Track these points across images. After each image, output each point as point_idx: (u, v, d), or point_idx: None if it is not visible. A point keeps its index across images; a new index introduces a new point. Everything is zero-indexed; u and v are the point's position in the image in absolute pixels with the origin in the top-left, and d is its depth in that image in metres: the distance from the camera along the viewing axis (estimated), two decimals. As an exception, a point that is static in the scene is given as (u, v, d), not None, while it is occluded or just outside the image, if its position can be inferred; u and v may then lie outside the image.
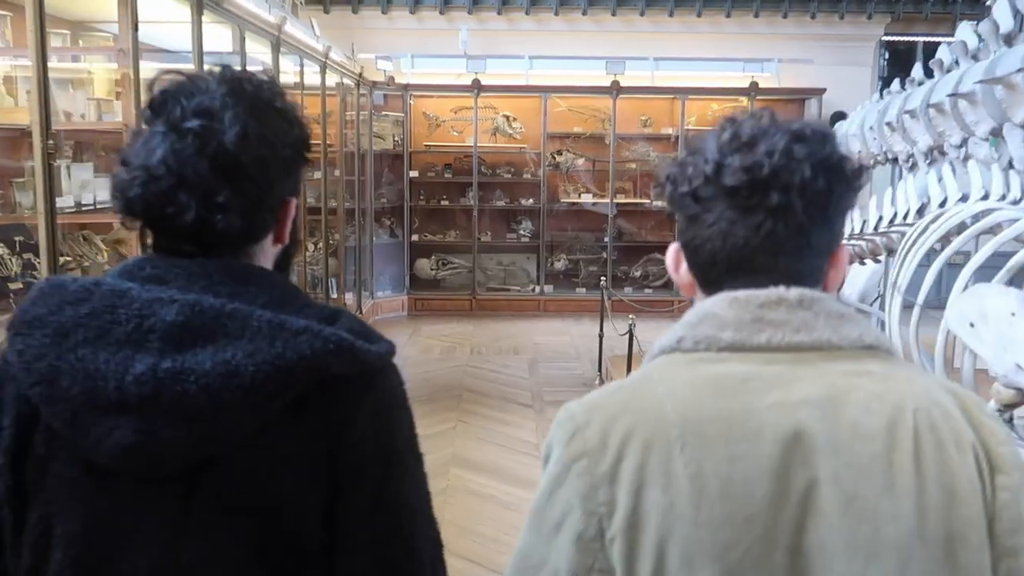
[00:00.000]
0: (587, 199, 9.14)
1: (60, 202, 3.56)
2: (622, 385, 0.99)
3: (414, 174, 9.10)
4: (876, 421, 0.89)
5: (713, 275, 0.98)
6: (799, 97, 9.16)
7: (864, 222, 3.67)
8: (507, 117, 9.02)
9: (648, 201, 9.27)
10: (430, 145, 9.14)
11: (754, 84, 8.81)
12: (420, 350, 7.45)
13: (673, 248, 1.04)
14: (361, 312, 8.13)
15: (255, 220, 1.05)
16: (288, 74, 5.66)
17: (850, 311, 0.96)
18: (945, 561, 0.87)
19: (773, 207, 0.93)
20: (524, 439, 5.15)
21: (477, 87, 8.74)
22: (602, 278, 7.35)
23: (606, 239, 9.10)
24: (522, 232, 9.30)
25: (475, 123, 8.85)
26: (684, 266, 1.03)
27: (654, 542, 0.88)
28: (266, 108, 1.05)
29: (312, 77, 6.40)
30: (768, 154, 0.93)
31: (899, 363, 0.97)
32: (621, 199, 9.15)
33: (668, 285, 9.33)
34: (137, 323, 0.96)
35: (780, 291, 0.94)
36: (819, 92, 8.88)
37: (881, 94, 4.85)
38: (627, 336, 5.62)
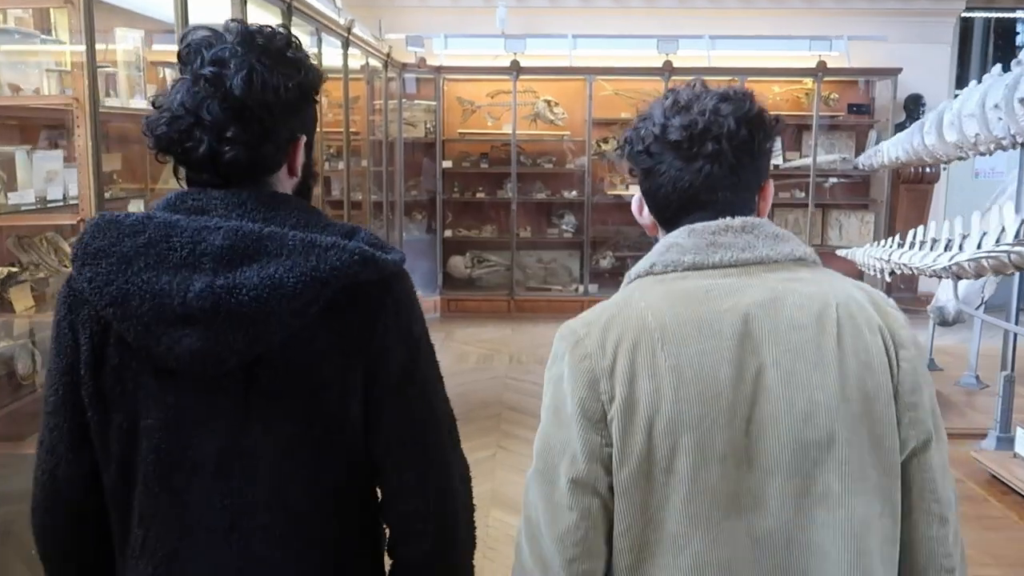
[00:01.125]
0: (635, 191, 8.35)
1: (16, 198, 2.92)
2: (608, 304, 1.23)
3: (447, 164, 8.41)
4: (807, 315, 1.15)
5: (669, 214, 1.25)
6: (871, 78, 8.32)
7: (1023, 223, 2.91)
8: (548, 102, 8.29)
9: (702, 193, 8.50)
10: (464, 133, 8.44)
11: (821, 64, 7.99)
12: (454, 358, 6.75)
13: (636, 197, 1.33)
14: (390, 315, 7.43)
15: (261, 152, 1.19)
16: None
17: (784, 232, 1.21)
18: (862, 414, 1.13)
19: (709, 153, 1.19)
20: (575, 472, 4.43)
21: (516, 69, 8.01)
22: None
23: (656, 235, 8.33)
24: (564, 227, 8.57)
25: (513, 109, 8.13)
26: (646, 210, 1.31)
27: (644, 419, 1.12)
28: (275, 56, 1.18)
29: (334, 57, 5.72)
30: (701, 113, 1.19)
31: (824, 270, 1.23)
32: (673, 191, 8.38)
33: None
34: (191, 248, 1.13)
35: (727, 220, 1.20)
36: (894, 72, 8.03)
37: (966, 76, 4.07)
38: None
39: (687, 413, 1.11)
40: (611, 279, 8.53)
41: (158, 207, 1.18)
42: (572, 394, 1.15)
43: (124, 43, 3.46)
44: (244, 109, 1.14)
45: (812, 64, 8.02)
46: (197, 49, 1.15)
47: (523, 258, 8.61)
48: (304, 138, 1.25)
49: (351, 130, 6.81)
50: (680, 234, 1.21)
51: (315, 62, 1.24)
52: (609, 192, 8.47)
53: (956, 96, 4.54)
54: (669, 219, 1.25)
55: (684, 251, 1.19)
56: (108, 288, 1.12)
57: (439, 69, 8.18)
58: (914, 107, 8.35)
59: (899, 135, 5.31)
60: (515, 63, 8.01)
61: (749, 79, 8.05)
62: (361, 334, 1.19)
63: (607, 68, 8.17)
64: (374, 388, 1.21)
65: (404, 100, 8.13)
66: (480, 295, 8.44)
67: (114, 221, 1.16)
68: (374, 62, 7.10)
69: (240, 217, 1.16)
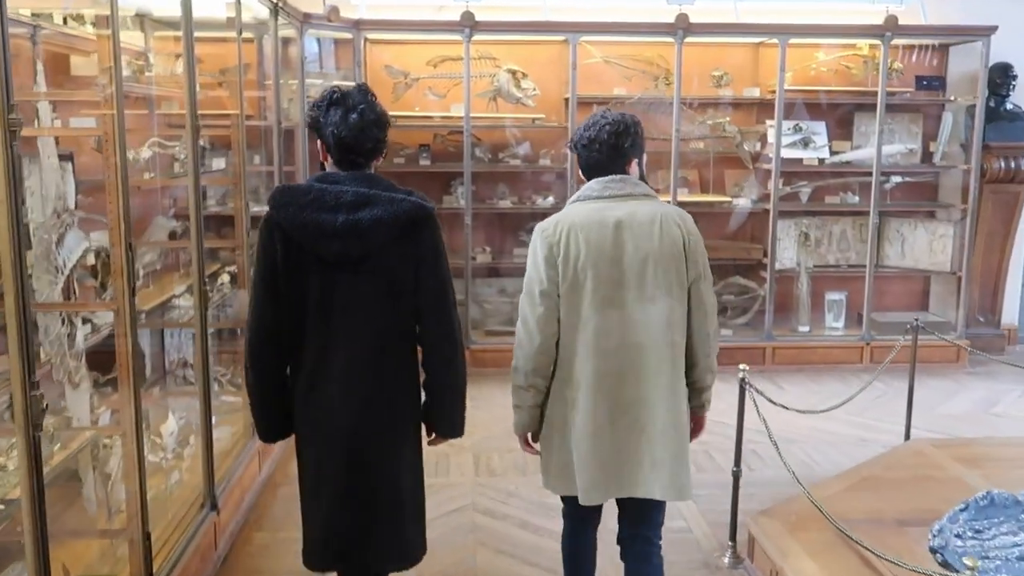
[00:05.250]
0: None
1: None
2: (558, 214, 2.51)
3: (373, 161, 5.97)
4: (647, 218, 2.42)
5: (587, 173, 2.54)
6: (956, 39, 6.17)
7: None
8: (514, 73, 5.92)
9: (726, 199, 6.23)
10: (397, 116, 5.99)
11: (891, 20, 5.80)
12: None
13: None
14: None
15: (384, 148, 2.43)
16: None
17: (639, 181, 2.50)
18: (669, 261, 2.40)
19: (596, 150, 2.48)
20: None
21: (469, 26, 5.64)
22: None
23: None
24: (537, 246, 6.23)
25: (466, 82, 5.76)
26: (579, 171, 2.58)
27: (572, 262, 2.40)
28: (378, 103, 2.39)
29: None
30: (598, 131, 2.47)
31: (658, 200, 2.51)
32: (685, 195, 6.10)
33: (755, 323, 6.32)
34: (335, 201, 2.27)
35: (612, 176, 2.47)
36: (984, 32, 5.90)
37: None
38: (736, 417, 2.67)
39: (591, 260, 2.40)
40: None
41: (311, 180, 2.34)
42: (541, 252, 2.45)
43: None
44: (383, 124, 2.37)
45: (879, 20, 5.83)
46: (344, 97, 2.32)
47: (481, 290, 6.25)
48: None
49: (216, 111, 4.39)
50: (592, 183, 2.51)
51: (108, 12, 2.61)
52: (599, 198, 6.16)
53: None
54: (587, 175, 2.53)
55: (592, 191, 2.48)
56: (294, 221, 2.27)
57: (358, 24, 5.74)
58: (1001, 80, 6.25)
59: None
60: (468, 16, 5.63)
61: (791, 40, 5.83)
62: (414, 244, 2.33)
63: (596, 25, 5.84)
64: (418, 272, 2.35)
65: (308, 69, 5.67)
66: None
67: (290, 188, 2.34)
68: (258, 9, 4.66)
69: (357, 186, 2.29)
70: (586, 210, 2.43)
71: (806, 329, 6.34)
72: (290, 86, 5.50)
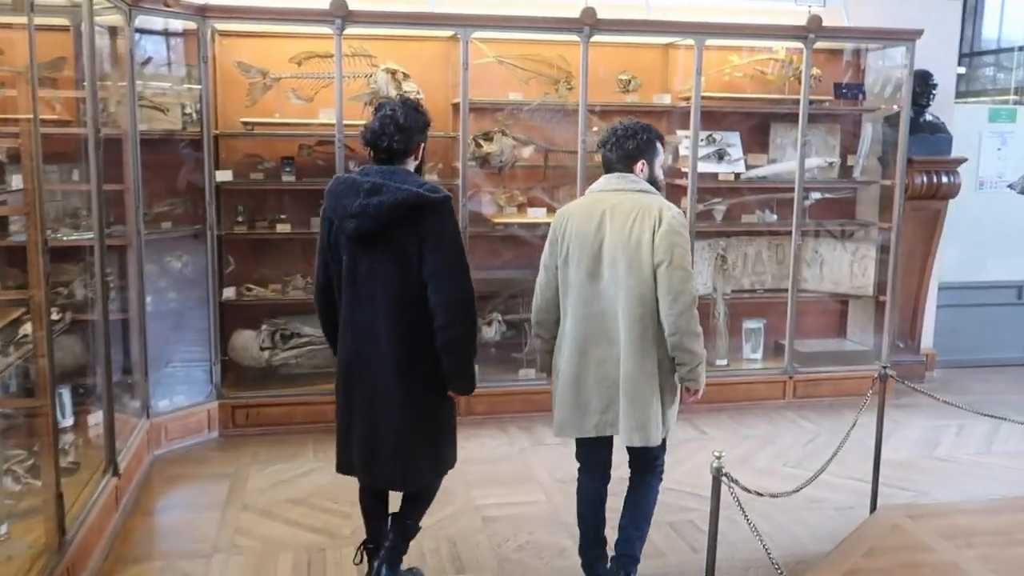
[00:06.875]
0: (538, 216, 5.31)
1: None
2: (573, 201, 3.18)
3: (224, 176, 4.95)
4: (628, 210, 2.90)
5: (605, 170, 3.07)
6: (878, 44, 5.69)
7: None
8: (394, 73, 5.03)
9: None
10: (253, 124, 5.02)
11: (815, 21, 5.24)
12: None
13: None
14: (118, 467, 3.92)
15: (407, 147, 2.88)
16: None
17: (637, 178, 2.99)
18: (636, 250, 2.86)
19: (609, 149, 3.03)
20: None
21: (341, 16, 4.72)
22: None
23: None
24: (423, 276, 5.35)
25: (337, 83, 4.83)
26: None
27: (566, 242, 2.99)
28: (413, 109, 2.91)
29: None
30: (612, 135, 3.04)
31: (650, 194, 2.98)
32: (592, 216, 5.36)
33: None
34: (357, 188, 2.82)
35: (615, 174, 3.02)
36: (910, 36, 5.44)
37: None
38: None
39: (578, 241, 2.93)
40: (502, 357, 5.41)
41: (359, 172, 2.91)
42: (551, 234, 3.06)
43: None
44: (402, 128, 2.85)
45: (801, 21, 5.27)
46: (383, 106, 2.91)
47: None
48: (423, 144, 2.98)
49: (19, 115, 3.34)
50: (601, 178, 3.04)
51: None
52: (495, 220, 5.33)
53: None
54: (604, 171, 3.06)
55: (599, 184, 3.03)
56: (331, 204, 2.89)
57: (203, 11, 4.71)
58: (921, 89, 5.81)
59: None
60: (339, 5, 4.70)
61: (708, 41, 5.20)
62: (419, 225, 2.80)
63: (491, 18, 5.01)
64: (422, 249, 2.81)
65: (142, 66, 4.60)
66: (290, 396, 5.04)
67: (339, 178, 2.95)
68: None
69: (377, 178, 2.82)
70: (587, 200, 3.04)
71: (724, 363, 5.73)
72: (121, 87, 4.45)
